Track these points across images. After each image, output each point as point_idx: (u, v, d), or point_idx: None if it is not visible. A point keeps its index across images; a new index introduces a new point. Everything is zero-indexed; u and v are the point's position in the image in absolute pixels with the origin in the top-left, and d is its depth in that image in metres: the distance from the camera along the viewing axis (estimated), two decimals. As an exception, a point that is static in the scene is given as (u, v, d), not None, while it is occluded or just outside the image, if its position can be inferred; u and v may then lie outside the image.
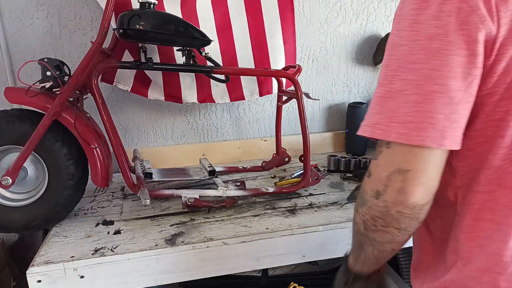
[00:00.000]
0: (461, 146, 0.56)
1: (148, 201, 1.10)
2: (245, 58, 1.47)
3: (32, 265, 1.03)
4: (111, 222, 1.23)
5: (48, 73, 1.15)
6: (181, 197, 1.22)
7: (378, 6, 1.69)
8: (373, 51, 1.71)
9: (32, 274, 1.02)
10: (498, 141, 0.58)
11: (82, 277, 1.05)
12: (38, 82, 1.14)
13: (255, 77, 1.49)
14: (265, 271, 1.70)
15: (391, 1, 1.70)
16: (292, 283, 1.57)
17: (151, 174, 1.32)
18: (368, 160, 1.54)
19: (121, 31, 1.16)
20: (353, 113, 1.70)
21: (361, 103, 1.71)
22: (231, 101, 1.52)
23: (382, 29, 1.72)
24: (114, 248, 1.09)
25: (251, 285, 1.66)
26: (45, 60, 1.15)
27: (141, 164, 1.40)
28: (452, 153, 0.61)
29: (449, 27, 0.53)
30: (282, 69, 1.47)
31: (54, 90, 1.18)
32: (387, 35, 1.68)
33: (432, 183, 0.57)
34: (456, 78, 0.53)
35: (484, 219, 0.61)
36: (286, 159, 1.55)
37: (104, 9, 1.13)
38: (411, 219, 0.60)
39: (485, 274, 0.61)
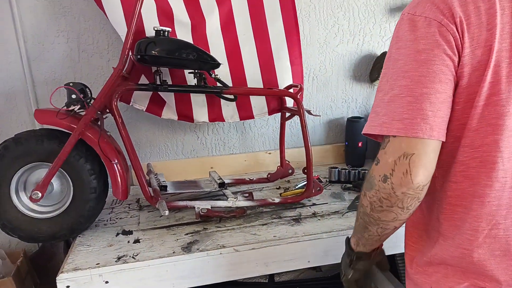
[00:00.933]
0: None
1: (167, 212, 1.21)
2: (254, 79, 1.58)
3: (62, 271, 1.13)
4: (130, 232, 1.33)
5: (74, 96, 1.26)
6: (194, 208, 1.33)
7: (373, 27, 1.82)
8: (369, 69, 1.83)
9: (62, 280, 1.12)
10: (463, 141, 0.71)
11: (106, 282, 1.14)
12: (65, 106, 1.25)
13: (263, 97, 1.59)
14: (271, 277, 1.79)
15: (385, 22, 1.82)
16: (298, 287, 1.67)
17: (166, 186, 1.42)
18: (366, 171, 1.64)
19: (138, 56, 1.27)
20: (352, 127, 1.81)
21: (359, 118, 1.83)
22: (240, 120, 1.62)
23: (377, 48, 1.84)
24: (135, 255, 1.19)
25: (258, 291, 1.75)
26: (71, 84, 1.27)
27: (155, 177, 1.50)
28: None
29: (433, 44, 0.68)
30: (285, 88, 1.58)
31: (77, 110, 1.29)
32: (383, 53, 1.80)
33: (431, 165, 0.69)
34: (440, 82, 0.67)
35: (456, 204, 0.74)
36: (290, 171, 1.66)
37: (124, 39, 1.25)
38: (413, 199, 0.71)
39: (458, 249, 0.74)
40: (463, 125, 0.70)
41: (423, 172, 0.68)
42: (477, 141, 0.70)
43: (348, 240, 0.96)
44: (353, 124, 1.80)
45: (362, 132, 0.77)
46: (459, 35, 0.67)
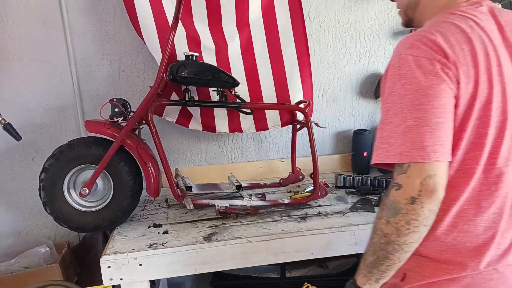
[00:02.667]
0: None
1: (192, 206, 1.44)
2: (269, 96, 1.81)
3: (104, 254, 1.36)
4: (160, 225, 1.56)
5: (117, 110, 1.52)
6: (214, 205, 1.55)
7: (378, 49, 2.02)
8: (375, 87, 2.02)
9: (104, 261, 1.35)
10: (453, 158, 0.85)
11: (140, 265, 1.37)
12: (110, 117, 1.51)
13: (277, 111, 1.81)
14: (283, 273, 1.98)
15: (388, 45, 2.02)
16: (306, 283, 1.85)
17: (191, 187, 1.65)
18: (369, 178, 1.82)
19: (171, 77, 1.52)
20: (358, 138, 2.00)
21: (365, 130, 2.02)
22: (256, 131, 1.85)
23: (382, 68, 2.03)
24: (164, 243, 1.41)
25: (270, 285, 1.94)
26: (115, 99, 1.53)
27: (182, 179, 1.74)
28: None
29: (439, 80, 0.80)
30: (296, 103, 1.80)
31: (118, 121, 1.55)
32: (386, 73, 1.99)
33: (446, 182, 0.82)
34: (450, 112, 0.81)
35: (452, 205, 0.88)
36: (300, 177, 1.86)
37: (159, 62, 1.50)
38: (435, 214, 0.82)
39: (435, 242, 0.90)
40: (455, 145, 0.84)
41: (442, 188, 0.81)
42: (462, 157, 0.85)
43: (353, 283, 0.94)
44: (359, 136, 1.99)
45: (373, 163, 0.86)
46: (456, 71, 0.80)
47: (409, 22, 1.04)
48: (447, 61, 0.81)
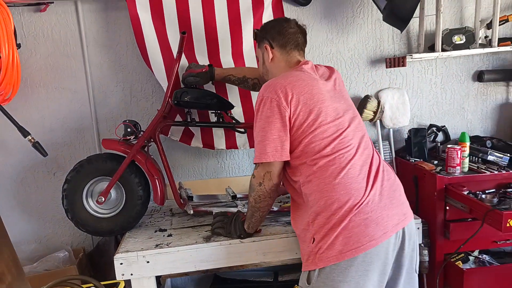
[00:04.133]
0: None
1: (191, 211, 1.68)
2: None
3: (118, 253, 1.60)
4: (165, 230, 1.80)
5: (129, 130, 1.78)
6: (212, 212, 1.78)
7: (358, 76, 2.28)
8: (357, 107, 2.27)
9: (117, 259, 1.58)
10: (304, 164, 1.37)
11: (148, 262, 1.60)
12: (123, 136, 1.77)
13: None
14: (276, 277, 2.20)
15: (367, 72, 2.29)
16: (296, 285, 2.05)
17: (192, 197, 1.89)
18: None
19: (175, 102, 1.78)
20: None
21: (348, 147, 2.25)
22: (250, 147, 2.09)
23: (361, 92, 2.29)
24: (168, 244, 1.64)
25: (264, 288, 2.15)
26: (127, 121, 1.79)
27: (185, 191, 1.98)
28: (291, 164, 1.41)
29: (275, 112, 1.35)
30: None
31: (130, 139, 1.80)
32: (366, 96, 2.24)
33: (280, 174, 1.40)
34: (281, 131, 1.35)
35: (312, 192, 1.36)
36: (290, 189, 2.09)
37: (165, 89, 1.77)
38: (274, 191, 1.44)
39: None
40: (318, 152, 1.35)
41: (276, 178, 1.41)
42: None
43: (242, 223, 1.60)
44: (343, 152, 2.22)
45: (254, 162, 1.43)
46: (288, 104, 1.35)
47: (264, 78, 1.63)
48: (283, 99, 1.35)
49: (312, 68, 1.51)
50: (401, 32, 2.15)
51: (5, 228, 1.20)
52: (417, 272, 1.45)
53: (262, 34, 1.58)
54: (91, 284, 1.52)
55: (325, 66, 1.60)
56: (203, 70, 1.80)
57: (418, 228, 1.73)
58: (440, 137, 2.39)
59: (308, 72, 1.46)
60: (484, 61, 2.39)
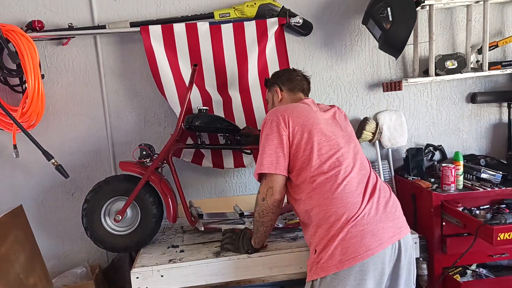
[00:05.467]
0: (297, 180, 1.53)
1: (202, 228, 1.81)
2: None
3: (134, 267, 1.71)
4: (177, 246, 1.91)
5: (144, 152, 1.92)
6: (221, 229, 1.90)
7: (357, 99, 2.43)
8: (356, 130, 2.40)
9: (134, 273, 1.70)
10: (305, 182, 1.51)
11: (162, 276, 1.71)
12: (139, 159, 1.91)
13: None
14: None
15: (365, 95, 2.43)
16: (301, 299, 2.14)
17: (202, 215, 2.02)
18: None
19: (187, 126, 1.93)
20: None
21: (349, 167, 2.37)
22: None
23: (360, 114, 2.43)
24: (181, 259, 1.76)
25: (271, 301, 2.24)
26: (143, 144, 1.94)
27: (195, 209, 2.10)
28: (293, 183, 1.55)
29: (273, 131, 1.54)
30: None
31: (145, 161, 1.94)
32: (365, 118, 2.38)
33: (281, 191, 1.54)
34: (277, 147, 1.52)
35: (313, 208, 1.48)
36: (294, 207, 2.21)
37: (178, 115, 1.92)
38: (276, 207, 1.57)
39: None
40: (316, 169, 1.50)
41: (278, 194, 1.55)
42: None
43: (249, 239, 1.72)
44: (344, 171, 2.34)
45: (254, 174, 1.60)
46: (286, 126, 1.54)
47: None
48: (282, 121, 1.56)
49: (312, 102, 1.73)
50: (396, 59, 2.30)
51: (37, 245, 1.34)
52: (415, 285, 1.54)
53: (273, 80, 1.86)
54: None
55: (328, 105, 1.82)
56: (255, 133, 1.99)
57: (416, 243, 1.84)
58: (437, 156, 2.51)
59: (307, 104, 1.69)
60: (477, 84, 2.52)
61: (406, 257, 1.47)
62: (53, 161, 1.96)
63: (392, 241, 1.42)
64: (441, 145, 2.51)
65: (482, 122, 2.57)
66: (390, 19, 2.03)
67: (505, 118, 2.56)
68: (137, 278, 1.71)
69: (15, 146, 2.04)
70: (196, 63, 1.84)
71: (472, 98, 2.51)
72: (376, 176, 1.59)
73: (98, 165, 2.30)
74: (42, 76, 2.05)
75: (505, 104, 2.54)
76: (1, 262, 1.09)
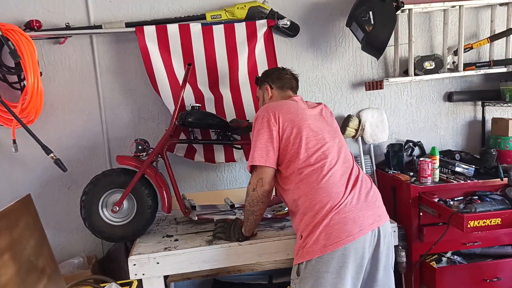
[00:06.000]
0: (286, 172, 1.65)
1: (196, 218, 1.92)
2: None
3: (131, 255, 1.82)
4: (171, 236, 2.02)
5: (140, 147, 2.02)
6: (214, 220, 2.02)
7: (341, 97, 2.57)
8: (341, 126, 2.54)
9: (131, 260, 1.80)
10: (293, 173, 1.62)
11: (158, 263, 1.82)
12: (135, 153, 2.01)
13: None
14: (270, 280, 2.42)
15: (349, 94, 2.57)
16: (288, 286, 2.27)
17: (195, 206, 2.13)
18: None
19: (180, 122, 2.03)
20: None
21: (334, 161, 2.51)
22: (246, 160, 2.34)
23: (344, 111, 2.57)
24: (175, 247, 1.87)
25: (260, 290, 2.37)
26: (139, 139, 2.04)
27: (188, 201, 2.21)
28: (282, 175, 1.67)
29: (264, 126, 1.66)
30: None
31: (141, 156, 2.04)
32: (348, 115, 2.52)
33: (270, 182, 1.67)
34: (267, 142, 1.65)
35: (300, 197, 1.60)
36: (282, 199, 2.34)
37: (172, 112, 2.03)
38: (265, 197, 1.70)
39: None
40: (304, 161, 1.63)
41: (268, 185, 1.67)
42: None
43: (240, 228, 1.84)
44: (329, 166, 2.48)
45: (247, 166, 1.71)
46: (276, 122, 1.65)
47: None
48: (270, 117, 1.68)
49: (301, 99, 1.86)
50: (377, 60, 2.45)
51: (45, 232, 1.43)
52: (393, 269, 1.68)
53: (263, 78, 1.97)
54: (106, 284, 1.74)
55: (315, 103, 1.94)
56: (244, 125, 2.11)
57: (395, 231, 1.98)
58: (417, 151, 2.66)
59: (296, 101, 1.81)
60: (453, 84, 2.68)
61: (385, 243, 1.59)
62: (52, 155, 2.04)
63: (372, 227, 1.55)
64: (420, 141, 2.66)
65: (458, 119, 2.73)
66: (372, 22, 2.17)
67: (479, 116, 2.72)
68: (134, 265, 1.81)
69: (14, 141, 2.11)
70: (190, 62, 1.95)
71: (449, 97, 2.67)
72: (359, 168, 1.73)
73: (94, 159, 2.39)
74: (40, 74, 2.13)
75: (480, 102, 2.71)
76: (14, 244, 1.18)
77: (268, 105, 1.77)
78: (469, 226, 1.82)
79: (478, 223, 1.82)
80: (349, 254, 1.50)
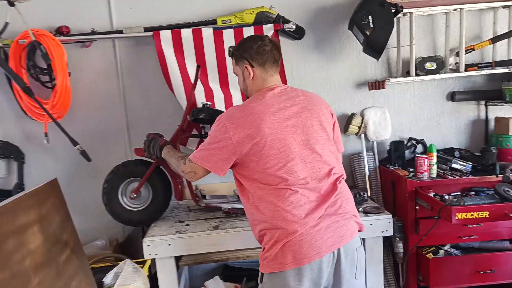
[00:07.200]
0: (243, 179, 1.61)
1: (204, 204, 2.12)
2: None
3: (146, 237, 2.03)
4: (183, 221, 2.23)
5: (155, 141, 2.23)
6: (221, 207, 2.21)
7: (345, 97, 2.71)
8: (344, 124, 2.68)
9: (145, 241, 2.02)
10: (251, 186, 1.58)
11: (169, 244, 2.03)
12: (151, 145, 2.23)
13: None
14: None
15: (353, 93, 2.71)
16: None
17: (205, 196, 2.33)
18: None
19: (192, 119, 2.23)
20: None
21: (338, 157, 2.65)
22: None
23: (348, 110, 2.71)
24: (186, 231, 2.07)
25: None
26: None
27: (199, 191, 2.41)
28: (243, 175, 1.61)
29: (219, 135, 1.56)
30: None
31: (157, 149, 2.25)
32: (352, 114, 2.66)
33: (198, 179, 1.68)
34: (214, 150, 1.56)
35: (260, 211, 1.55)
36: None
37: (184, 109, 2.23)
38: (191, 179, 1.69)
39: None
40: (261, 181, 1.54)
41: (194, 178, 1.69)
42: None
43: (160, 148, 1.93)
44: (333, 161, 2.63)
45: (191, 157, 1.66)
46: (234, 134, 1.52)
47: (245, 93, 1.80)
48: (228, 129, 1.55)
49: (276, 94, 1.62)
50: (377, 61, 2.57)
51: (69, 211, 1.66)
52: (357, 279, 1.62)
53: (241, 54, 1.68)
54: (122, 261, 1.96)
55: (306, 93, 1.71)
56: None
57: (390, 222, 2.11)
58: (420, 148, 2.77)
59: (267, 101, 1.59)
60: (456, 84, 2.78)
61: (348, 260, 1.55)
62: (78, 146, 2.28)
63: (330, 250, 1.50)
64: (423, 139, 2.77)
65: (461, 118, 2.82)
66: (371, 26, 2.31)
67: (482, 115, 2.81)
68: (148, 245, 2.02)
69: (46, 134, 2.37)
70: (199, 64, 2.14)
71: (452, 96, 2.76)
72: (337, 178, 1.60)
73: (116, 152, 2.62)
74: (69, 74, 2.37)
75: (483, 102, 2.79)
76: (42, 219, 1.40)
77: (233, 111, 1.62)
78: (457, 218, 1.93)
79: (466, 215, 1.93)
80: (304, 274, 1.49)
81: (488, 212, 1.93)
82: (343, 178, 1.65)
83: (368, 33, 2.32)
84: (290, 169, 1.52)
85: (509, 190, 2.01)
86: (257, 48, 1.66)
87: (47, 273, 1.32)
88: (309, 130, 1.59)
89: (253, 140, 1.52)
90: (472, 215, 1.93)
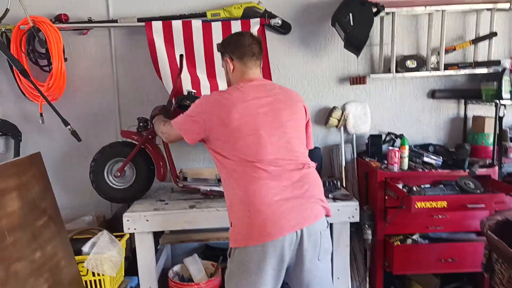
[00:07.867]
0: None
1: (182, 184, 2.26)
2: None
3: (126, 212, 2.19)
4: (163, 200, 2.37)
5: (141, 124, 2.39)
6: (200, 189, 2.36)
7: (328, 91, 2.82)
8: (325, 117, 2.79)
9: (125, 216, 2.17)
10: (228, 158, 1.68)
11: (147, 220, 2.17)
12: (137, 129, 2.38)
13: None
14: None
15: (336, 88, 2.82)
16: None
17: (186, 178, 2.48)
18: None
19: (177, 105, 2.37)
20: (312, 153, 2.74)
21: (318, 148, 2.77)
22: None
23: (330, 103, 2.82)
24: (163, 209, 2.22)
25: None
26: (140, 118, 2.40)
27: (182, 174, 2.56)
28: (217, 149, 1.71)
29: (198, 112, 1.74)
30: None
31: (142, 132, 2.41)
32: (333, 107, 2.77)
33: (171, 142, 2.06)
34: (191, 125, 1.79)
35: (232, 184, 1.68)
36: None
37: (170, 94, 2.38)
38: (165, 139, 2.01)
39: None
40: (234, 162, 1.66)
41: (168, 142, 2.08)
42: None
43: (153, 117, 2.23)
44: (312, 151, 2.73)
45: (172, 121, 1.91)
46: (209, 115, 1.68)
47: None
48: (206, 108, 1.72)
49: (255, 86, 1.74)
50: (357, 57, 2.68)
51: (50, 183, 1.82)
52: (320, 261, 1.69)
53: (223, 49, 1.83)
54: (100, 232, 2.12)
55: (284, 88, 1.84)
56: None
57: (357, 209, 2.23)
58: (398, 143, 2.87)
59: (244, 91, 1.71)
60: (437, 82, 2.86)
61: (311, 241, 1.63)
62: (69, 127, 2.45)
63: (293, 229, 1.59)
64: (402, 134, 2.86)
65: (441, 116, 2.91)
66: (351, 23, 2.41)
67: (461, 113, 2.89)
68: (128, 220, 2.17)
69: (41, 114, 2.54)
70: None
71: (432, 94, 2.86)
72: (304, 164, 1.72)
73: (107, 133, 2.78)
74: (66, 60, 2.54)
75: (462, 101, 2.87)
76: (21, 187, 1.55)
77: (214, 94, 1.79)
78: (416, 206, 2.04)
79: (425, 204, 2.04)
80: (267, 251, 1.57)
81: (446, 202, 2.04)
82: (311, 166, 1.76)
83: (348, 30, 2.42)
84: (257, 152, 1.62)
85: (470, 183, 2.11)
86: (235, 43, 1.79)
87: (23, 234, 1.48)
88: (281, 119, 1.70)
89: (222, 122, 1.65)
90: (431, 204, 2.04)
